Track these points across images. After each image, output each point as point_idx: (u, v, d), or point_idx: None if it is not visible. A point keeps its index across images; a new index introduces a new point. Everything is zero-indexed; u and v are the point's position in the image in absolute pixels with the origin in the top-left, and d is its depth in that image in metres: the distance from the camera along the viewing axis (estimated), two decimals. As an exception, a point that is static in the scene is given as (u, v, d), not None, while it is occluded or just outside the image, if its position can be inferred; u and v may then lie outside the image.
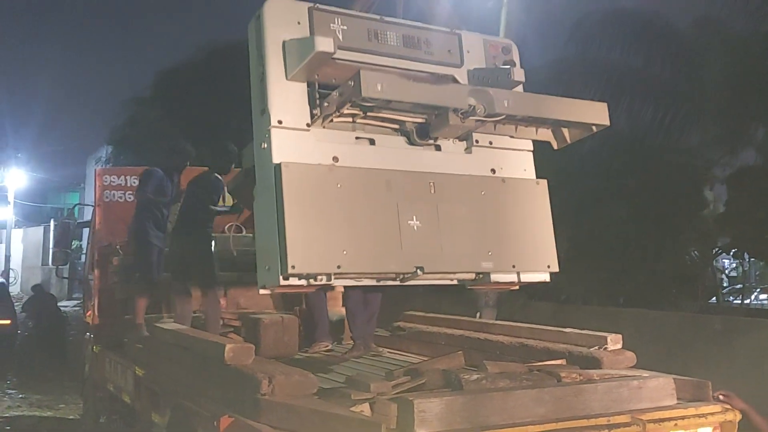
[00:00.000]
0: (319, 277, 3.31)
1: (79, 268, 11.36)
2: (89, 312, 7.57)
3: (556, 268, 3.86)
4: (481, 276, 3.75)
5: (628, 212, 10.31)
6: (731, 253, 12.19)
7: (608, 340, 4.05)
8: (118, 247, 6.72)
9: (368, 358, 5.23)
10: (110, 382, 6.20)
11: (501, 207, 3.79)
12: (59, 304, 15.63)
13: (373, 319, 5.54)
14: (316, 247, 3.27)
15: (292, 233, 3.21)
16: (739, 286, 15.39)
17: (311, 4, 3.57)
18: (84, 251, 10.22)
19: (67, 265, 10.82)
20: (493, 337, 4.74)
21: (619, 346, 4.08)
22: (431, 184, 3.62)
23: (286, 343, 5.42)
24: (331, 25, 3.56)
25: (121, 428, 6.32)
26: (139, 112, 20.99)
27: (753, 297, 16.32)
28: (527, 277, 3.85)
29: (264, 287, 3.46)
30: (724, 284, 15.34)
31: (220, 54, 17.41)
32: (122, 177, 7.75)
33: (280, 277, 3.24)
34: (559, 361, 3.99)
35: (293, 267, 3.19)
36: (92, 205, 8.37)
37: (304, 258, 3.22)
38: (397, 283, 3.60)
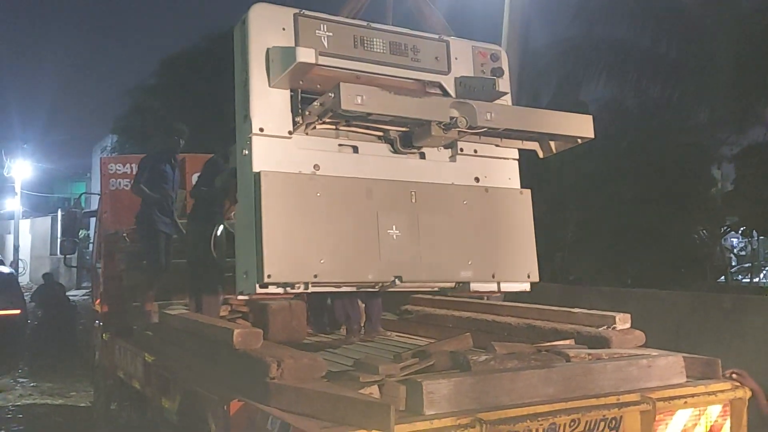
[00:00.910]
0: (297, 285, 3.30)
1: (87, 257, 11.41)
2: (98, 300, 7.61)
3: (536, 278, 3.84)
4: (460, 284, 3.73)
5: (636, 192, 10.26)
6: (740, 232, 12.14)
7: (617, 319, 4.05)
8: (124, 234, 6.74)
9: (376, 342, 5.24)
10: (120, 369, 6.22)
11: (483, 217, 3.75)
12: (69, 293, 15.72)
13: (379, 303, 5.54)
14: (293, 256, 3.25)
15: (269, 242, 3.20)
16: (747, 264, 15.37)
17: (297, 11, 3.52)
18: (91, 240, 10.26)
19: (76, 254, 10.85)
20: (501, 318, 4.74)
21: (628, 325, 4.07)
22: (412, 193, 3.59)
23: (295, 327, 5.42)
24: (317, 31, 3.50)
25: (131, 414, 6.35)
26: (144, 100, 21.00)
27: (762, 275, 16.27)
28: (507, 287, 3.83)
29: (242, 293, 3.45)
30: (733, 263, 15.30)
31: (225, 40, 17.31)
32: (127, 165, 7.78)
33: (257, 285, 3.23)
34: (567, 341, 3.98)
35: (269, 276, 3.18)
36: (98, 194, 8.39)
37: (280, 267, 3.21)
38: (376, 290, 3.59)
